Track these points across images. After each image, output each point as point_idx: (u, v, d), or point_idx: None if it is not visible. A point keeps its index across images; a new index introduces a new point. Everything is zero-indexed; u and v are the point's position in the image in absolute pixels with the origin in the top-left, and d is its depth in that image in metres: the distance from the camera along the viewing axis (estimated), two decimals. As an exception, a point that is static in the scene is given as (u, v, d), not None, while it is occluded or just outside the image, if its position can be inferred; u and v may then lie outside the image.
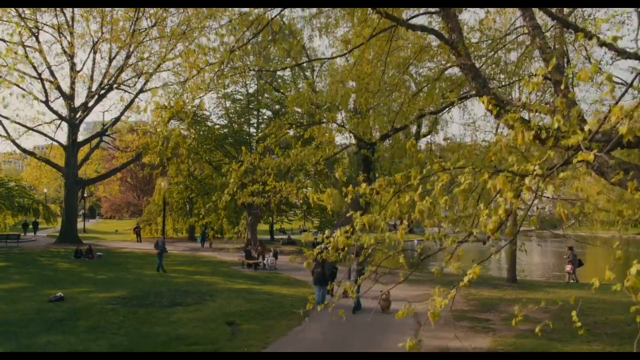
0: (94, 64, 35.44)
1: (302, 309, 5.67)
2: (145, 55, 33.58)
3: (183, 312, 13.35)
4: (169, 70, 38.99)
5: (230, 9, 22.46)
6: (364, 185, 3.85)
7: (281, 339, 11.07)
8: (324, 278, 14.01)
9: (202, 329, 11.69)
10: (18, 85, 33.12)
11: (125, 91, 35.88)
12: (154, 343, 10.47)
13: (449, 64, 8.81)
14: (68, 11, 32.91)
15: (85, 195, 45.80)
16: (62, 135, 36.81)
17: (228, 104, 32.93)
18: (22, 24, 31.09)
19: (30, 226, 44.78)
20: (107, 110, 40.04)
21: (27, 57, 31.04)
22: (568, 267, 22.49)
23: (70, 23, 33.17)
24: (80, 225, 46.68)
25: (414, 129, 22.77)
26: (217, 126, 33.95)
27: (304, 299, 16.42)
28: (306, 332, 11.83)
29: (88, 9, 31.54)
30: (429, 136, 24.38)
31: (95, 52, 35.14)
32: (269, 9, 7.94)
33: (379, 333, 11.70)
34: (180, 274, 20.87)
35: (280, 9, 8.06)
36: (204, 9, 25.55)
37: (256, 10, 8.19)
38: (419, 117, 9.94)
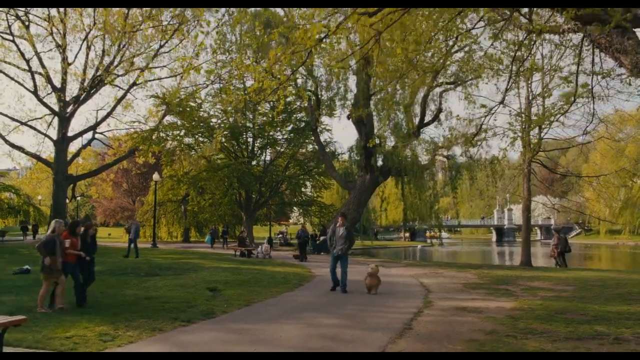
0: (87, 57, 34.28)
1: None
2: (138, 49, 32.40)
3: (160, 280, 11.79)
4: (163, 66, 38.21)
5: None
6: None
7: (268, 300, 9.51)
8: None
9: (179, 292, 10.12)
10: (7, 75, 31.97)
11: (119, 87, 34.64)
12: (120, 302, 8.90)
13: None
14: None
15: (76, 195, 44.11)
16: (53, 134, 35.45)
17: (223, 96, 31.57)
18: (12, 13, 30.09)
19: (30, 230, 43.31)
20: (101, 109, 38.61)
21: (14, 42, 29.93)
22: (555, 252, 20.00)
23: (63, 14, 32.07)
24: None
25: None
26: (212, 120, 32.60)
27: (299, 275, 14.66)
28: (296, 296, 10.27)
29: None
30: None
31: (89, 47, 34.03)
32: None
33: (379, 298, 10.14)
34: (165, 259, 19.19)
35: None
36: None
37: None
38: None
